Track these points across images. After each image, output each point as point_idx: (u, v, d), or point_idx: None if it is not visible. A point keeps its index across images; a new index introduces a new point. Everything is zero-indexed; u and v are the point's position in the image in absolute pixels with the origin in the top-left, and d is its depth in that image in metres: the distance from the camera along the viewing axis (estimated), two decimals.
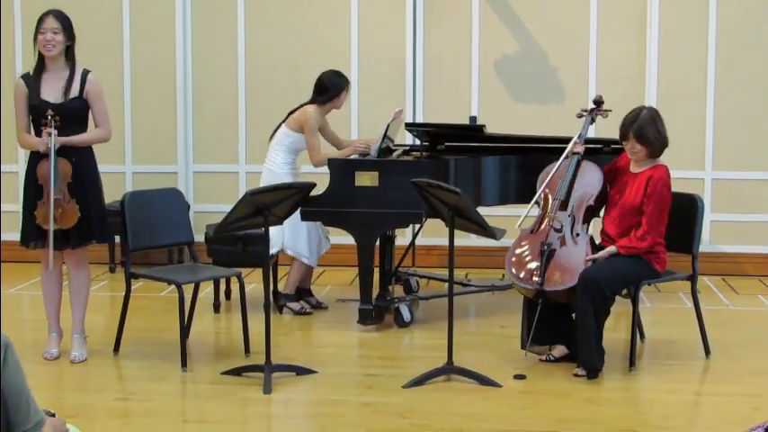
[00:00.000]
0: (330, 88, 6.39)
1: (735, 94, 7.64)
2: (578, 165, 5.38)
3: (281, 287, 6.60)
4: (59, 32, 5.20)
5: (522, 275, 5.17)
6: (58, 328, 5.51)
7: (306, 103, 6.44)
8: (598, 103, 5.66)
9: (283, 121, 6.47)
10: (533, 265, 5.15)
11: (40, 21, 5.22)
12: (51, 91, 5.24)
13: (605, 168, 5.41)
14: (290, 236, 6.35)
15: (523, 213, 5.34)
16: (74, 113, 5.25)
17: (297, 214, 6.24)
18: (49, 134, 5.11)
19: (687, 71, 7.66)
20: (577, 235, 5.23)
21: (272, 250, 6.27)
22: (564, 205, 5.30)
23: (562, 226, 5.23)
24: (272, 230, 6.08)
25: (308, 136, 6.35)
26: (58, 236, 5.20)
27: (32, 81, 5.25)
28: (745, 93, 7.64)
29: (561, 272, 5.10)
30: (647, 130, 5.11)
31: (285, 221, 6.26)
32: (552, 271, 5.11)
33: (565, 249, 5.17)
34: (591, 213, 5.38)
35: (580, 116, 5.66)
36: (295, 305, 6.46)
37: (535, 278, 5.09)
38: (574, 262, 5.12)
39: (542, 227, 5.29)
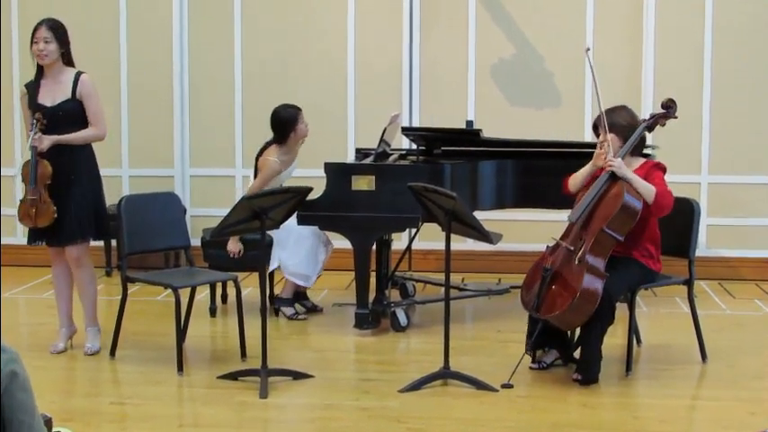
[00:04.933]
0: (286, 122, 6.33)
1: (731, 99, 7.64)
2: (610, 183, 4.94)
3: (278, 290, 6.60)
4: (51, 41, 5.37)
5: (524, 298, 5.07)
6: (68, 324, 5.65)
7: (268, 143, 6.41)
8: (666, 107, 5.17)
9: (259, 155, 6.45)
10: (534, 289, 5.00)
11: (34, 30, 5.40)
12: (48, 95, 5.42)
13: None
14: (287, 256, 6.34)
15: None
16: (66, 115, 5.39)
17: (296, 236, 6.27)
18: (29, 137, 5.34)
19: (683, 76, 7.66)
20: (579, 262, 4.85)
21: (271, 268, 6.30)
22: (585, 226, 4.94)
23: (572, 249, 4.93)
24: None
25: (258, 180, 6.29)
26: (47, 233, 5.44)
27: (32, 87, 5.45)
28: (741, 97, 7.64)
29: (557, 297, 4.89)
30: (618, 116, 5.08)
31: (283, 243, 6.28)
32: (549, 296, 4.92)
33: (565, 274, 4.90)
34: (608, 242, 4.88)
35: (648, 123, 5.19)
36: (288, 310, 6.45)
37: (532, 303, 4.97)
38: (569, 287, 4.83)
39: (558, 248, 5.05)
